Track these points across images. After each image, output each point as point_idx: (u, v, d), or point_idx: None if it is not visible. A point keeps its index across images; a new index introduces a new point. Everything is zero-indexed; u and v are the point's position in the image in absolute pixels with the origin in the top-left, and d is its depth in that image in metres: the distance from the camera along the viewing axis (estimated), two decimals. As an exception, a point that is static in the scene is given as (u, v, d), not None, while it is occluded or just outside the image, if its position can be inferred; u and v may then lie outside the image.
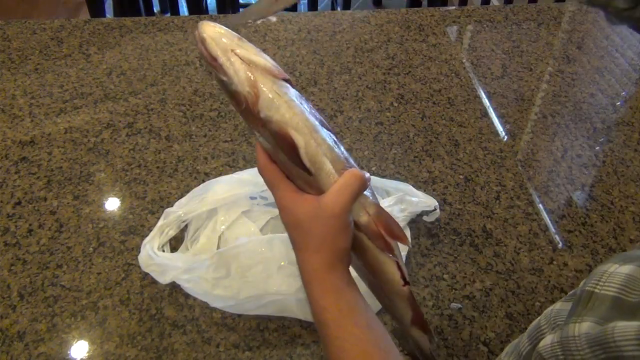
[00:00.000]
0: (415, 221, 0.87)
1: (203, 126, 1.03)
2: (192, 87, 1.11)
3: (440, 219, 0.88)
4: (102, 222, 0.85)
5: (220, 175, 0.89)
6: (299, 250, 0.48)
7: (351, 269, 0.49)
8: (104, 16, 1.64)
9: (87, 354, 0.70)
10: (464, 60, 1.24)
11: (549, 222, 0.90)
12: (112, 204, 0.88)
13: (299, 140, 0.46)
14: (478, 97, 1.15)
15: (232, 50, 0.47)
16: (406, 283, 0.50)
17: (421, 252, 0.84)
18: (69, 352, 0.70)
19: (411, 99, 1.12)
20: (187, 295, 0.75)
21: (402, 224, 0.81)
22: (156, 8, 1.83)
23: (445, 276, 0.81)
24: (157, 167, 0.94)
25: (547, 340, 0.46)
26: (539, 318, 0.56)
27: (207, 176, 0.93)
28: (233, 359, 0.70)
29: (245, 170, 0.87)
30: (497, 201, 0.93)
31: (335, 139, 0.49)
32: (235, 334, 0.73)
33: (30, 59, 1.15)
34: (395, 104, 1.11)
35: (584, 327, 0.41)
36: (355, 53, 1.24)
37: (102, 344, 0.71)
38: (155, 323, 0.73)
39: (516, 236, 0.87)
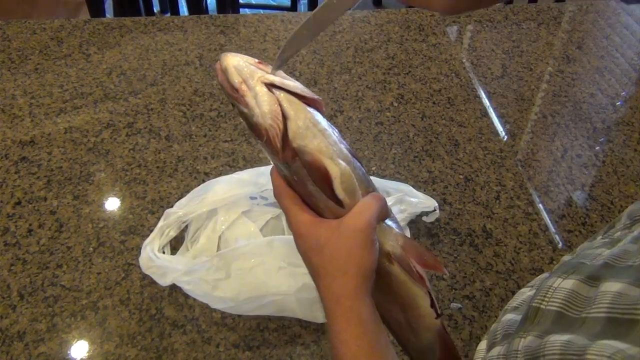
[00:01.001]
0: (415, 221, 0.87)
1: (203, 126, 1.03)
2: (192, 87, 1.11)
3: (440, 219, 0.88)
4: (102, 222, 0.85)
5: (220, 175, 0.89)
6: (322, 277, 0.44)
7: None
8: (104, 16, 1.64)
9: (87, 354, 0.70)
10: (464, 60, 1.24)
11: (549, 222, 0.90)
12: (112, 204, 0.88)
13: (334, 170, 0.44)
14: (478, 97, 1.15)
15: (258, 79, 0.44)
16: (438, 315, 0.48)
17: (421, 252, 0.84)
18: (69, 352, 0.70)
19: (411, 99, 1.12)
20: (187, 295, 0.75)
21: (401, 224, 0.81)
22: (156, 8, 1.84)
23: (445, 276, 0.81)
24: (157, 167, 0.94)
25: (495, 351, 0.47)
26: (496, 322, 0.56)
27: (207, 176, 0.93)
28: (233, 359, 0.70)
29: (245, 170, 0.87)
30: (497, 201, 0.93)
31: (362, 168, 0.47)
32: (235, 334, 0.73)
33: (30, 59, 1.15)
34: (395, 104, 1.11)
35: (527, 341, 0.42)
36: (355, 53, 1.24)
37: (102, 344, 0.71)
38: (155, 323, 0.73)
39: (516, 236, 0.87)
